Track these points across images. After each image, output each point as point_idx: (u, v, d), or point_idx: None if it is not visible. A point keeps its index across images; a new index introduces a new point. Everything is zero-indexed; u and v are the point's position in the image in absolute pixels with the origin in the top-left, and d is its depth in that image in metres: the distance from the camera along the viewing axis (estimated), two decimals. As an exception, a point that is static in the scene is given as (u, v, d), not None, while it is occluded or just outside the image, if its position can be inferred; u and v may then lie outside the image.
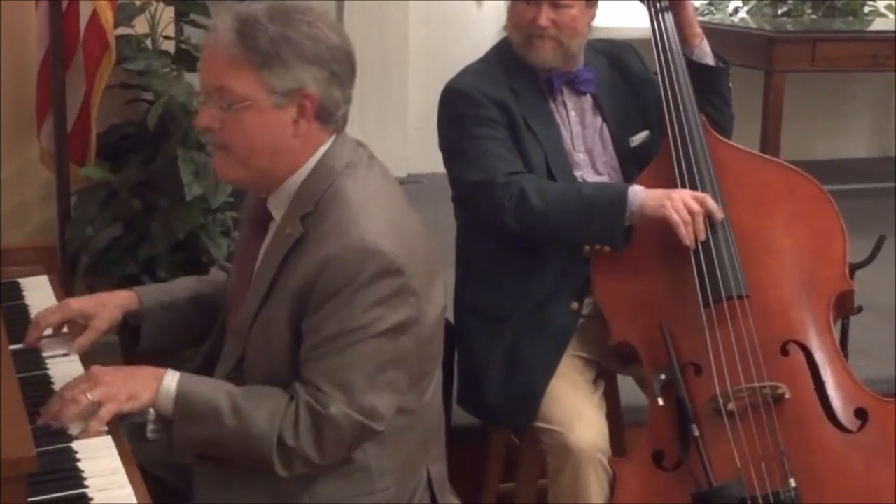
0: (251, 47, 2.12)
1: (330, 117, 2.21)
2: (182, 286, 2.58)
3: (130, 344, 2.59)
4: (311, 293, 2.12)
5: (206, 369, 2.37)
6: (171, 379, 2.12)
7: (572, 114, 2.97)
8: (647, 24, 2.99)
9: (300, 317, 2.15)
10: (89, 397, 2.05)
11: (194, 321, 2.52)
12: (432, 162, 6.06)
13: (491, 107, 2.85)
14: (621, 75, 3.05)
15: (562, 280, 2.86)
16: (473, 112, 2.85)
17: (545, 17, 2.84)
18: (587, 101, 2.99)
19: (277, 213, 2.25)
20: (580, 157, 2.96)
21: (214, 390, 2.14)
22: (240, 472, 2.19)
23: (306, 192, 2.21)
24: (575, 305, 2.86)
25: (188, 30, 3.87)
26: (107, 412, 2.05)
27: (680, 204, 2.70)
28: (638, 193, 2.72)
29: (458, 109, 2.88)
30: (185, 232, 3.50)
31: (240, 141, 2.17)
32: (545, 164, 2.86)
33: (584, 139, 2.97)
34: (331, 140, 2.24)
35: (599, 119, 3.00)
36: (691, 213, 2.70)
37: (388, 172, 2.34)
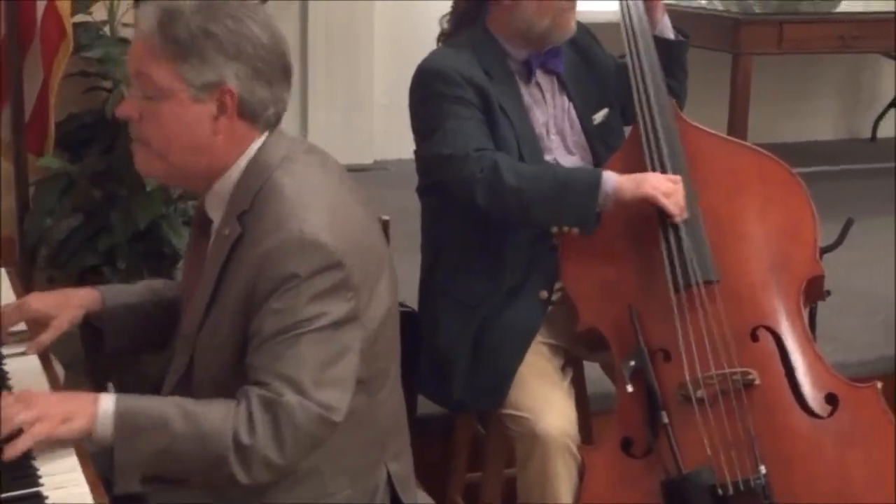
0: (170, 38, 2.09)
1: (256, 116, 2.16)
2: (147, 287, 2.52)
3: (93, 347, 2.53)
4: (253, 292, 2.07)
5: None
6: (108, 400, 2.01)
7: (547, 95, 2.96)
8: (611, 9, 3.00)
9: (245, 319, 2.09)
10: (21, 418, 1.94)
11: (160, 323, 2.45)
12: (399, 148, 6.07)
13: (466, 87, 2.81)
14: (580, 55, 3.04)
15: (532, 269, 2.84)
16: (448, 91, 2.81)
17: None
18: (555, 81, 2.99)
19: (216, 216, 2.21)
20: (553, 138, 2.95)
21: (158, 401, 2.07)
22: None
23: (242, 190, 2.16)
24: (544, 294, 2.84)
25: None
26: (35, 432, 1.93)
27: (656, 181, 2.71)
28: (612, 177, 2.71)
29: (433, 88, 2.84)
30: (146, 222, 3.46)
31: (157, 133, 2.14)
32: (517, 149, 2.84)
33: (555, 120, 2.97)
34: (263, 137, 2.19)
35: (566, 99, 2.99)
36: (669, 187, 2.71)
37: (329, 163, 2.28)
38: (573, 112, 2.98)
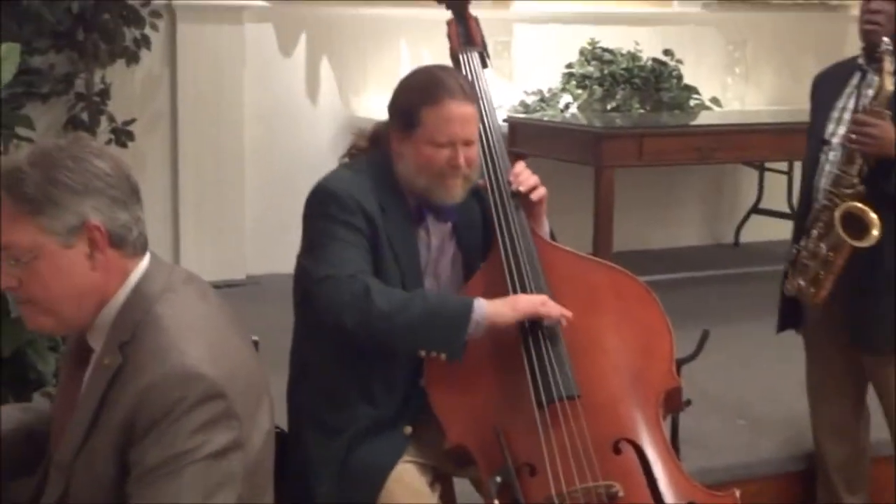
0: (20, 197, 2.12)
1: (124, 241, 2.20)
2: (6, 417, 2.50)
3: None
4: (134, 424, 2.09)
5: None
6: None
7: (433, 240, 2.99)
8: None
9: (125, 449, 2.10)
10: None
11: (20, 452, 2.44)
12: (270, 263, 6.07)
13: (359, 215, 2.84)
14: (479, 204, 3.06)
15: (403, 406, 2.88)
16: (341, 215, 2.84)
17: (462, 156, 2.86)
18: (447, 228, 3.01)
19: (97, 344, 2.22)
20: (428, 281, 2.97)
21: None
22: None
23: (123, 320, 2.18)
24: (408, 430, 2.88)
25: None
26: None
27: (528, 298, 2.79)
28: (483, 306, 2.76)
29: (327, 209, 2.86)
30: (12, 349, 3.41)
31: (41, 293, 2.16)
32: (400, 283, 2.86)
33: (436, 265, 3.00)
34: (143, 265, 2.23)
35: (454, 247, 3.03)
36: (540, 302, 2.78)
37: (207, 293, 2.32)
38: (459, 261, 3.02)
